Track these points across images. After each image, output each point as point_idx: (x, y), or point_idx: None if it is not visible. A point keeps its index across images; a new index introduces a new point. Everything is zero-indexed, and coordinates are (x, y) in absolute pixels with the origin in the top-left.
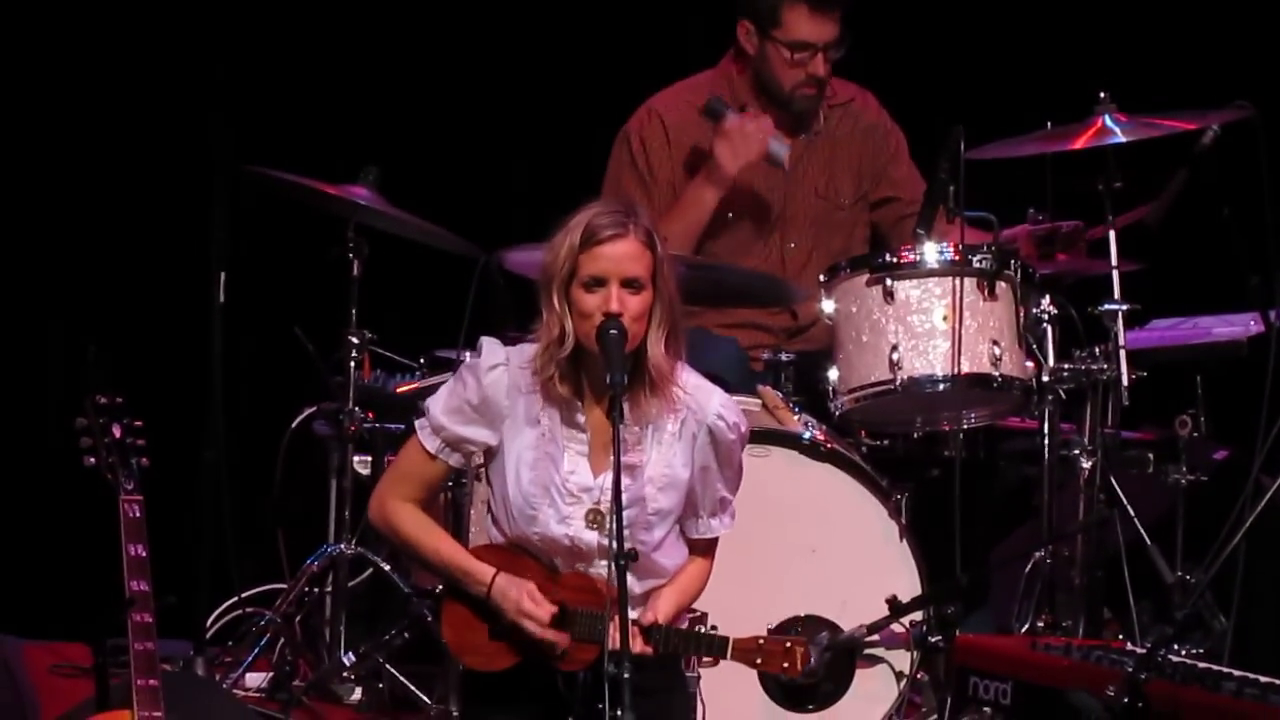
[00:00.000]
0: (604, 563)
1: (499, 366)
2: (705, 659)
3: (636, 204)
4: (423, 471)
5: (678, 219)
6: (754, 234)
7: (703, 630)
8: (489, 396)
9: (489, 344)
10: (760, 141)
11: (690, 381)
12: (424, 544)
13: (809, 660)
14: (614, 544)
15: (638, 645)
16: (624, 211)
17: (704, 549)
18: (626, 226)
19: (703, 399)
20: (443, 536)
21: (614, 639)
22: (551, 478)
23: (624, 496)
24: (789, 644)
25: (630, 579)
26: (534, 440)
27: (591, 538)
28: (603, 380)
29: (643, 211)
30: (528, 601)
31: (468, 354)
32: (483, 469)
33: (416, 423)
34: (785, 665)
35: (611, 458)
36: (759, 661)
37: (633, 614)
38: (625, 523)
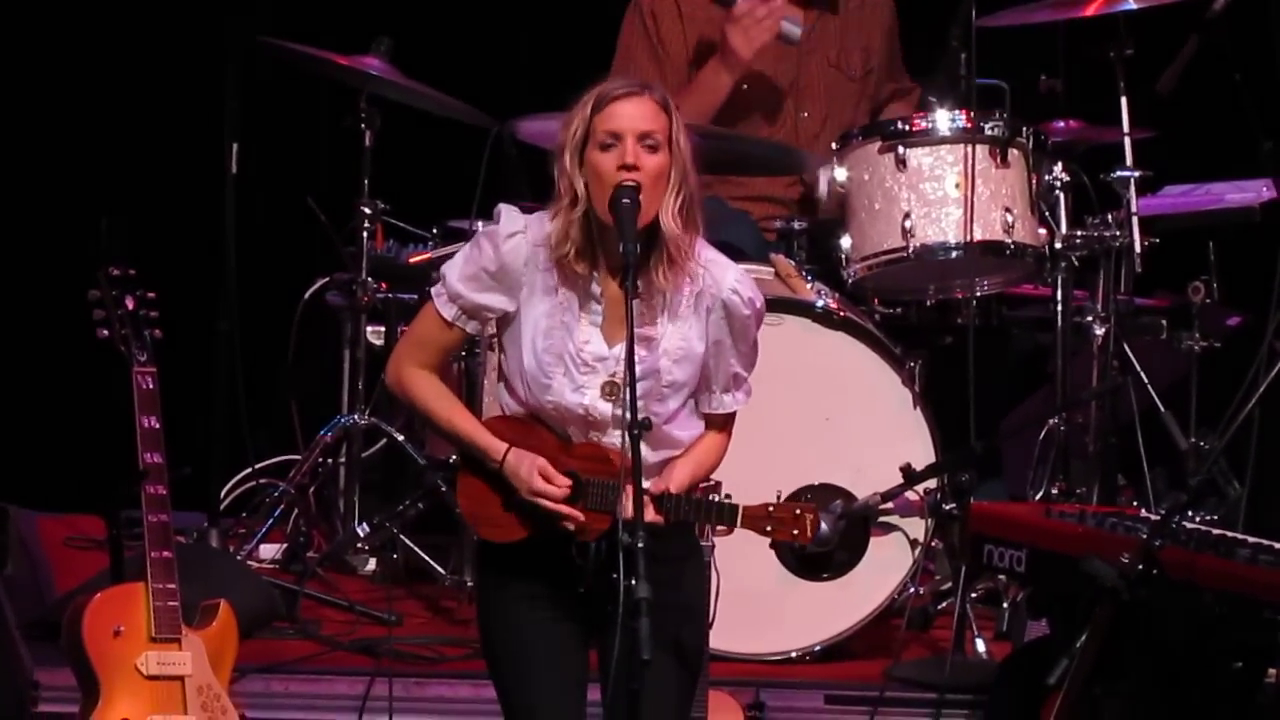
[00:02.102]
0: (618, 433)
1: (517, 234)
2: (719, 529)
3: (651, 81)
4: (439, 338)
5: (692, 99)
6: (767, 104)
7: (716, 500)
8: (507, 264)
9: (507, 211)
10: (772, 23)
11: (706, 255)
12: (439, 414)
13: (819, 528)
14: (628, 414)
15: (649, 514)
16: (639, 80)
17: (720, 423)
18: (642, 89)
19: (718, 273)
20: (457, 408)
21: (626, 508)
22: (566, 347)
23: (639, 368)
24: (798, 510)
25: (645, 449)
26: (549, 309)
27: (606, 408)
28: (618, 252)
29: (658, 85)
30: (539, 480)
31: (480, 224)
32: (495, 338)
33: (433, 290)
34: (795, 533)
35: (627, 329)
36: (769, 529)
37: (646, 484)
38: (639, 394)
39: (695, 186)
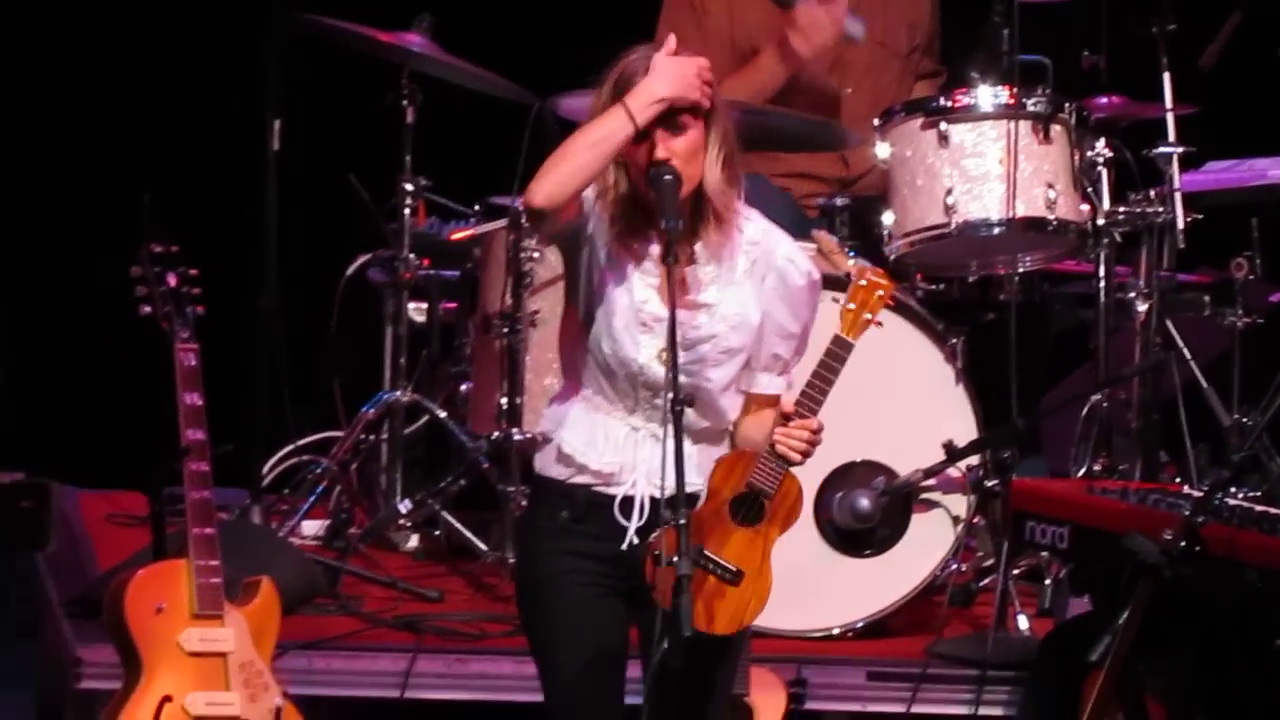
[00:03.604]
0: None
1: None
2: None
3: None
4: None
5: (744, 87)
6: (812, 80)
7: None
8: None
9: None
10: (834, 29)
11: (761, 226)
12: (567, 143)
13: (881, 271)
14: (682, 379)
15: (811, 423)
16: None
17: (768, 403)
18: None
19: (772, 244)
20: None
21: (794, 451)
22: (627, 302)
23: (697, 333)
24: (862, 282)
25: (694, 416)
26: (612, 265)
27: (660, 371)
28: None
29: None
30: (665, 57)
31: (521, 200)
32: (535, 314)
33: None
34: (881, 292)
35: (685, 295)
36: (870, 317)
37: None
38: (695, 357)
39: (734, 139)
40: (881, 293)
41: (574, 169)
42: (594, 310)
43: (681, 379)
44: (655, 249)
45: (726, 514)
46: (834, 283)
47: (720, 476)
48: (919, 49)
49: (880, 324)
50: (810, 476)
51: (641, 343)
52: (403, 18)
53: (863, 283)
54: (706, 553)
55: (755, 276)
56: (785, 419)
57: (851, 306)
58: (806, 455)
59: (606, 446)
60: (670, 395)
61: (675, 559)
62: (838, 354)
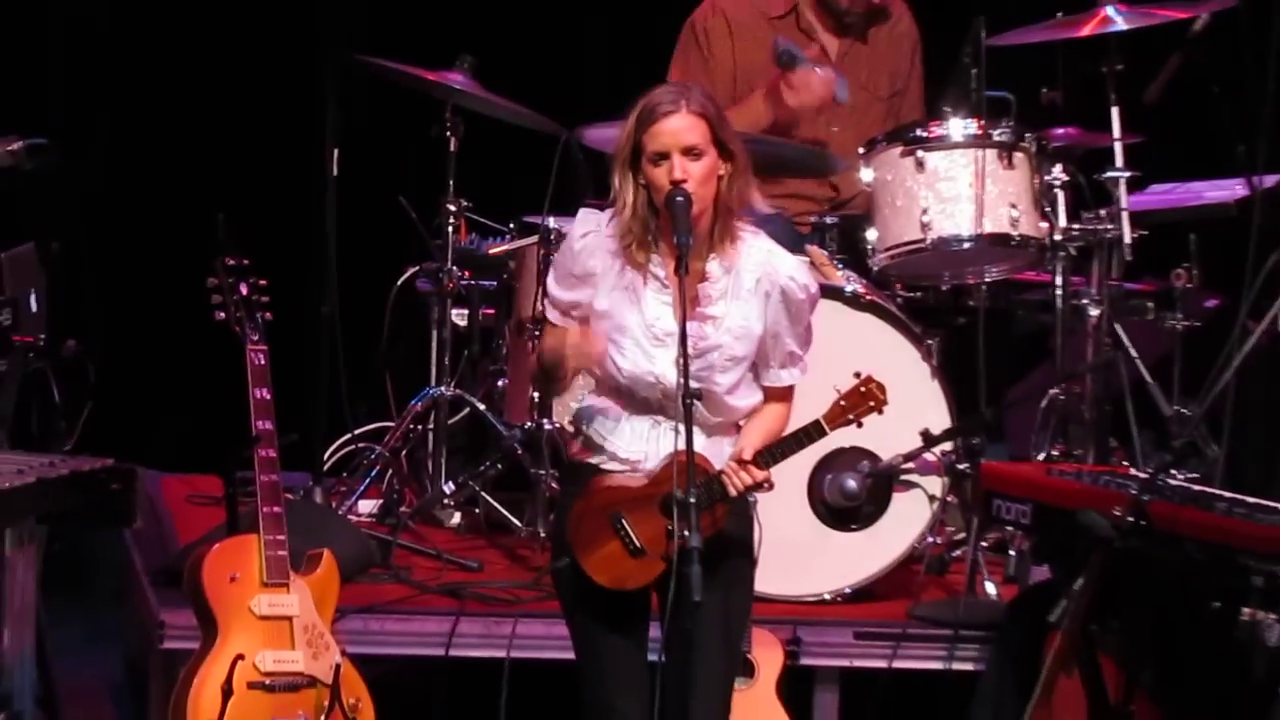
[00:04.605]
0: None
1: (590, 234)
2: (765, 488)
3: (692, 84)
4: None
5: (740, 119)
6: (802, 118)
7: (797, 431)
8: (583, 262)
9: (583, 214)
10: (824, 94)
11: (766, 246)
12: (534, 377)
13: (884, 388)
14: (692, 383)
15: (758, 474)
16: (677, 90)
17: (780, 395)
18: (679, 103)
19: (777, 262)
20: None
21: (734, 487)
22: (639, 321)
23: (704, 343)
24: (863, 388)
25: (705, 414)
26: (624, 289)
27: (674, 377)
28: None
29: (695, 88)
30: (575, 337)
31: (552, 219)
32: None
33: (545, 304)
34: (872, 405)
35: (695, 308)
36: (853, 417)
37: (728, 462)
38: (705, 364)
39: (744, 165)
40: (873, 404)
41: (545, 389)
42: (608, 335)
43: (693, 384)
44: (661, 270)
45: (657, 501)
46: (825, 291)
47: (674, 471)
48: (900, 93)
49: (860, 425)
50: (804, 461)
51: (656, 356)
52: (447, 58)
53: (862, 390)
54: (624, 520)
55: (760, 293)
56: (741, 461)
57: (843, 404)
58: (740, 496)
59: (633, 437)
60: (681, 392)
61: (687, 534)
62: (811, 435)
